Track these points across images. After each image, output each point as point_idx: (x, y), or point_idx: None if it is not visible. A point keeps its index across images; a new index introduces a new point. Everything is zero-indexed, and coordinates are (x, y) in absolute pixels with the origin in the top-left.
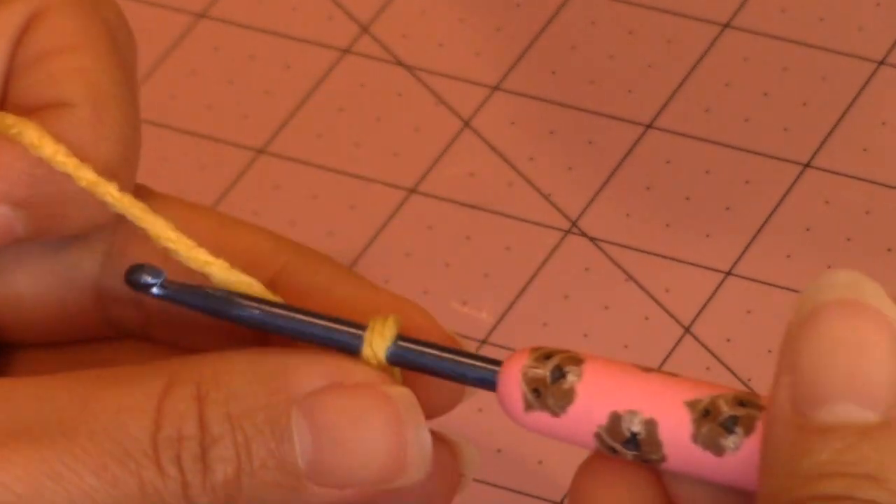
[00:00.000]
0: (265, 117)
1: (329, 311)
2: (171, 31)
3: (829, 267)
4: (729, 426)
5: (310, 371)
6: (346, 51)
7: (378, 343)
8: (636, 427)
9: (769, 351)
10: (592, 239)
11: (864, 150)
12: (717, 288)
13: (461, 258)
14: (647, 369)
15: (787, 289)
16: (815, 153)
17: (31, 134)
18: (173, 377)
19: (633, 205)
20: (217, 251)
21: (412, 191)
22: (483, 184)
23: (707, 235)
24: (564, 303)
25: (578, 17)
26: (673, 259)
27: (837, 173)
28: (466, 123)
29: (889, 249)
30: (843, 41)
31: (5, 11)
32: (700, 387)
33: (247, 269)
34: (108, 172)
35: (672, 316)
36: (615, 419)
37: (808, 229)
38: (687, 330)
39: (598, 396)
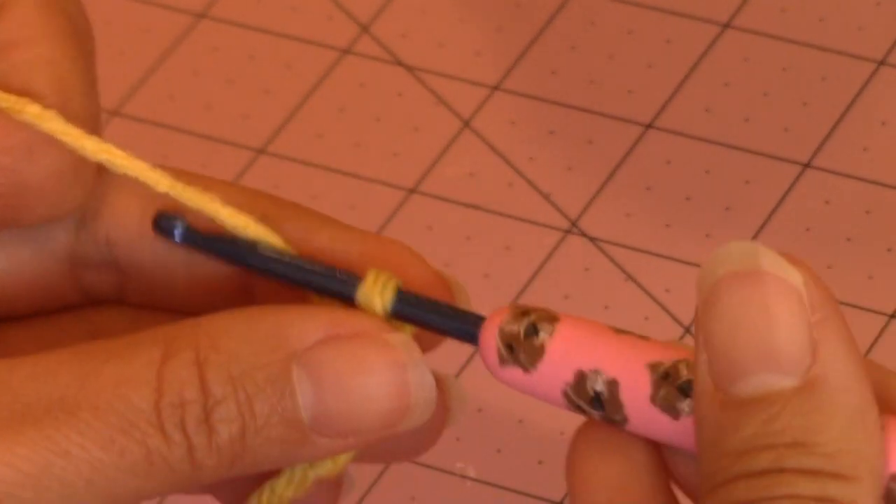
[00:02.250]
0: (265, 117)
1: (315, 244)
2: (171, 31)
3: (829, 267)
4: (686, 389)
5: (306, 325)
6: (346, 51)
7: (377, 299)
8: (599, 386)
9: None
10: (592, 239)
11: (864, 149)
12: None
13: (461, 258)
14: (621, 331)
15: None
16: (815, 153)
17: (33, 108)
18: (170, 344)
19: (633, 205)
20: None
21: (412, 191)
22: (483, 184)
23: (707, 235)
24: (564, 303)
25: (578, 17)
26: (673, 259)
27: (837, 173)
28: (466, 123)
29: (889, 249)
30: (843, 41)
31: None
32: (667, 350)
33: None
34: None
35: (672, 316)
36: (580, 378)
37: (808, 229)
38: (687, 330)
39: (565, 354)
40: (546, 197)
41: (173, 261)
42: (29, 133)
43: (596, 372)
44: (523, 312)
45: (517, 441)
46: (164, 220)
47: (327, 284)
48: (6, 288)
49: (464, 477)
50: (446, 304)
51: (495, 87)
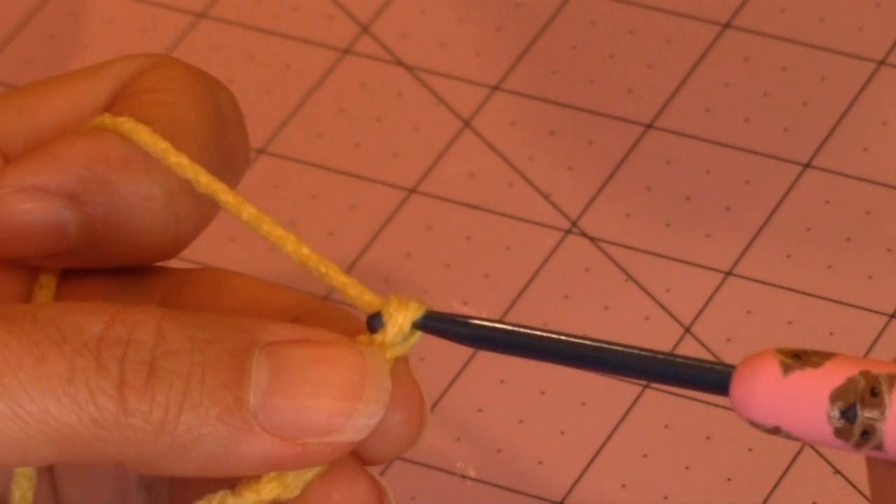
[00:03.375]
0: (265, 117)
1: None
2: (171, 31)
3: (829, 267)
4: None
5: (280, 326)
6: (346, 51)
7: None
8: (882, 383)
9: None
10: (592, 239)
11: (864, 149)
12: (717, 288)
13: (461, 258)
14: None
15: (787, 289)
16: (815, 153)
17: (145, 132)
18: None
19: (633, 205)
20: (266, 304)
21: (412, 191)
22: (483, 184)
23: (707, 235)
24: (564, 303)
25: (578, 17)
26: (673, 259)
27: (837, 173)
28: (466, 123)
29: (889, 249)
30: (843, 41)
31: (124, 60)
32: None
33: (277, 311)
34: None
35: (672, 316)
36: (869, 377)
37: (808, 229)
38: (687, 330)
39: (853, 359)
40: (546, 197)
41: None
42: (128, 150)
43: (892, 376)
44: (795, 354)
45: (517, 441)
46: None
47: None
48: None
49: (464, 477)
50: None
51: (495, 87)
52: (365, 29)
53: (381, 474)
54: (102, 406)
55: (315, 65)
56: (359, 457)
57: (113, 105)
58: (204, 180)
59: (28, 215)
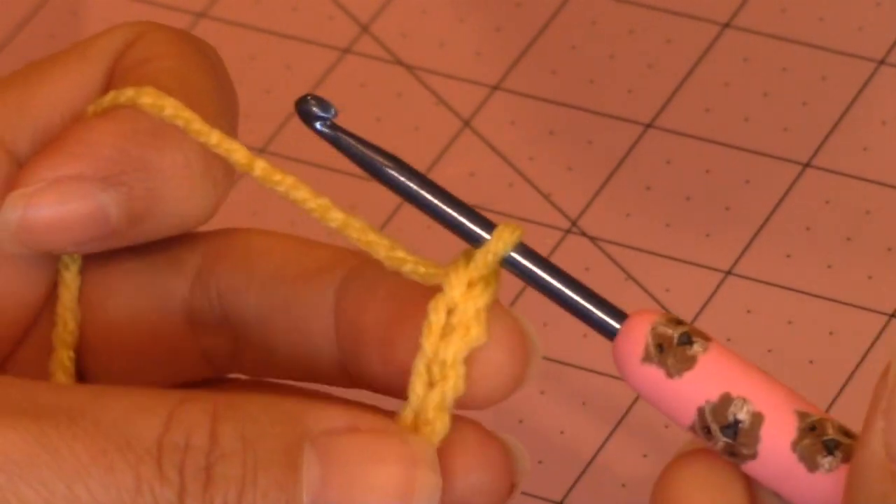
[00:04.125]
0: (265, 117)
1: (398, 295)
2: None
3: (829, 267)
4: (830, 447)
5: (327, 412)
6: (346, 51)
7: (497, 245)
8: (742, 415)
9: (769, 351)
10: (592, 239)
11: (864, 149)
12: (717, 288)
13: None
14: (764, 372)
15: (787, 289)
16: (815, 153)
17: (151, 94)
18: (189, 394)
19: (633, 205)
20: (299, 259)
21: None
22: (483, 184)
23: (707, 235)
24: None
25: (578, 17)
26: (673, 259)
27: (837, 173)
28: (466, 123)
29: (889, 249)
30: (843, 41)
31: (108, 33)
32: (811, 406)
33: (326, 268)
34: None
35: None
36: (725, 400)
37: (808, 229)
38: None
39: (717, 373)
40: (546, 197)
41: (275, 313)
42: (154, 122)
43: (743, 400)
44: (678, 321)
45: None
46: (308, 105)
47: (455, 219)
48: (126, 343)
49: None
50: (584, 286)
51: (495, 87)
52: (365, 29)
53: None
54: None
55: (315, 65)
56: (473, 402)
57: (113, 80)
58: (241, 156)
59: (67, 206)
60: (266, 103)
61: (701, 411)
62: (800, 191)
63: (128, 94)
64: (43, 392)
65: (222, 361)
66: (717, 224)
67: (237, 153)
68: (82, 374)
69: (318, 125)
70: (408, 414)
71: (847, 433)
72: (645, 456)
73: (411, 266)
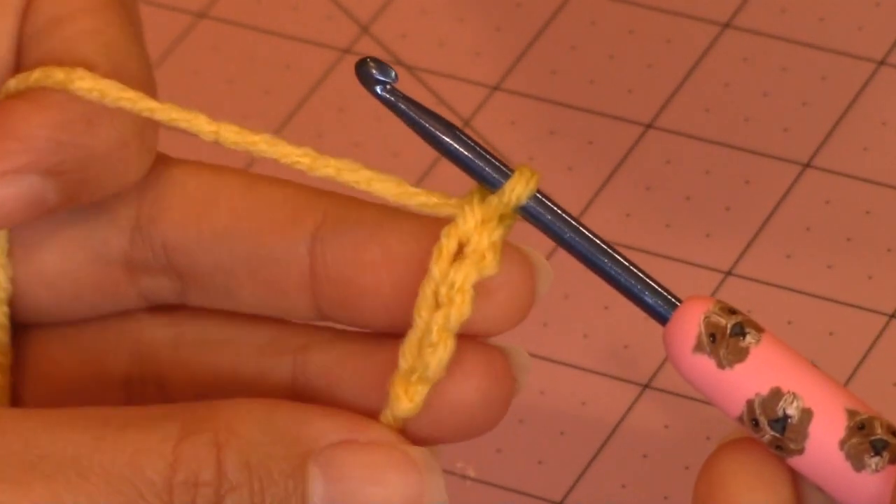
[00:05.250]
0: (265, 117)
1: (387, 241)
2: (171, 31)
3: (829, 267)
4: (878, 447)
5: (326, 424)
6: (346, 51)
7: (520, 189)
8: (792, 410)
9: None
10: None
11: (864, 149)
12: (717, 288)
13: None
14: (815, 366)
15: (787, 289)
16: (815, 153)
17: (87, 78)
18: (189, 423)
19: (633, 205)
20: (255, 208)
21: None
22: None
23: (707, 235)
24: (564, 303)
25: (578, 17)
26: (673, 259)
27: (837, 173)
28: (466, 123)
29: (889, 249)
30: (843, 41)
31: None
32: (861, 403)
33: (291, 219)
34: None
35: None
36: (775, 394)
37: (808, 229)
38: None
39: (768, 366)
40: None
41: (237, 267)
42: (86, 105)
43: (793, 395)
44: (731, 310)
45: (517, 441)
46: (368, 68)
47: (477, 164)
48: (62, 290)
49: (464, 477)
50: (635, 269)
51: (495, 87)
52: (365, 29)
53: None
54: None
55: (315, 65)
56: (484, 331)
57: (25, 41)
58: (205, 124)
59: (7, 202)
60: (266, 103)
61: (750, 404)
62: (800, 191)
63: (57, 77)
64: (41, 436)
65: (166, 299)
66: (717, 224)
67: (200, 121)
68: (15, 326)
69: (377, 89)
70: (412, 338)
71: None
72: (645, 456)
73: (424, 198)
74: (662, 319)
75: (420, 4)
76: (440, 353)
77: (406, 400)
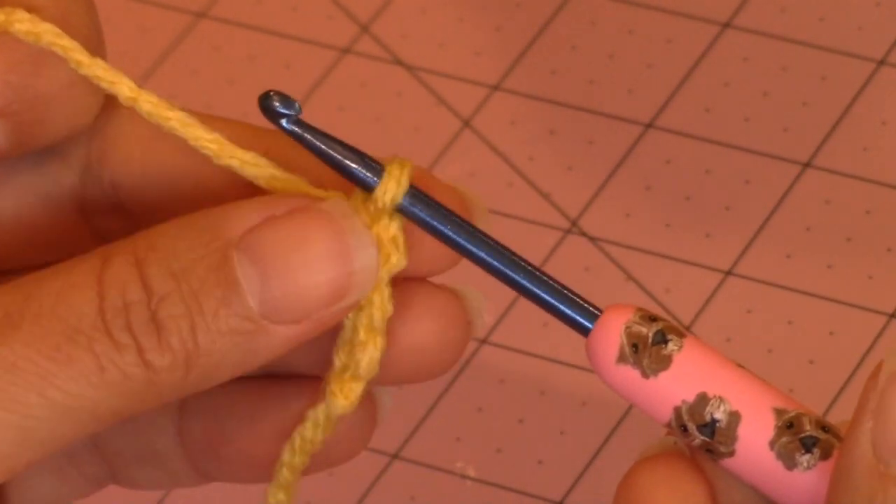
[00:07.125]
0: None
1: (322, 177)
2: (171, 31)
3: (829, 267)
4: (808, 444)
5: (240, 212)
6: (346, 51)
7: (393, 189)
8: (719, 414)
9: (769, 351)
10: (592, 239)
11: (864, 149)
12: (717, 288)
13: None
14: (740, 366)
15: (787, 289)
16: (815, 153)
17: (25, 20)
18: (108, 252)
19: (633, 205)
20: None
21: None
22: (483, 184)
23: (707, 235)
24: None
25: (578, 17)
26: (673, 259)
27: (837, 173)
28: (466, 123)
29: (889, 249)
30: (843, 41)
31: None
32: (788, 400)
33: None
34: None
35: (672, 316)
36: (702, 400)
37: (808, 229)
38: (687, 330)
39: (692, 372)
40: (546, 197)
41: (181, 203)
42: (33, 46)
43: (720, 399)
44: (652, 318)
45: (517, 441)
46: (271, 101)
47: (349, 166)
48: (10, 234)
49: (464, 477)
50: (547, 275)
51: (495, 87)
52: (365, 29)
53: (382, 474)
54: (135, 377)
55: (315, 65)
56: (426, 272)
57: None
58: (126, 88)
59: None
60: None
61: (678, 411)
62: (800, 191)
63: (2, 16)
64: None
65: (119, 238)
66: (717, 224)
67: (121, 86)
68: None
69: (283, 122)
70: (343, 338)
71: (825, 427)
72: None
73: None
74: (584, 330)
75: (420, 4)
76: (370, 351)
77: (342, 398)
